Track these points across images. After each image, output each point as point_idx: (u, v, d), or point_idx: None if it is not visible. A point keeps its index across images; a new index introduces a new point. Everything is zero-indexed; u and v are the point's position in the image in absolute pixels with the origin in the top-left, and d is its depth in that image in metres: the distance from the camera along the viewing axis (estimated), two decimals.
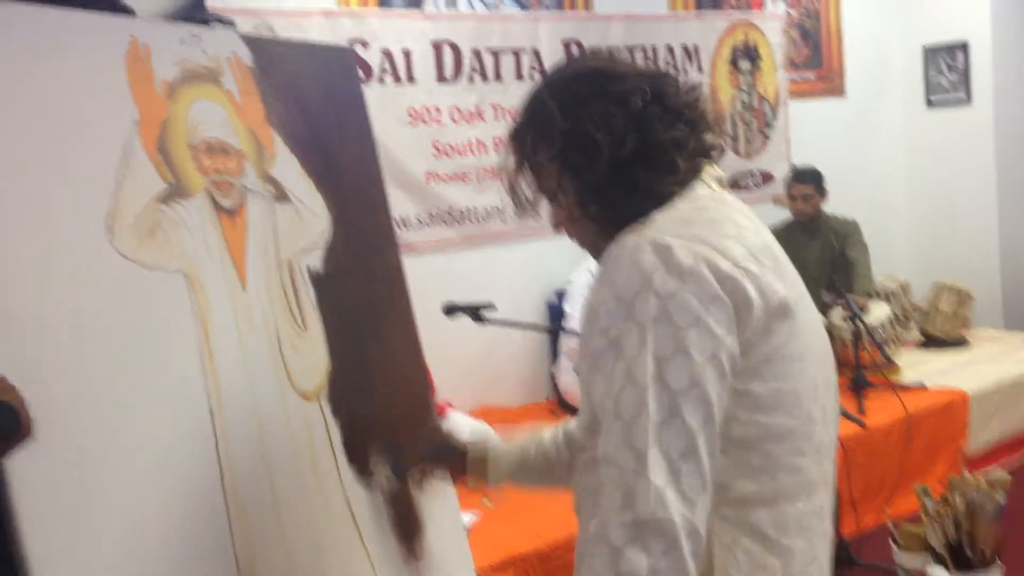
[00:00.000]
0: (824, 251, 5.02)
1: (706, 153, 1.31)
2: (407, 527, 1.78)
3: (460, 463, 1.67)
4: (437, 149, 4.24)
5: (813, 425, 1.23)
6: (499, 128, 4.41)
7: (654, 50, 4.86)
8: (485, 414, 4.10)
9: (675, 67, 4.95)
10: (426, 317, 3.49)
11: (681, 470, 1.08)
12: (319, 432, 1.66)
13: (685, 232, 1.18)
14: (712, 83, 5.12)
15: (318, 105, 1.83)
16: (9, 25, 1.32)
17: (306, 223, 1.71)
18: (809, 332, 1.25)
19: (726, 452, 1.16)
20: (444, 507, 1.89)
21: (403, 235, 4.16)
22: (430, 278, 4.13)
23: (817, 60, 5.68)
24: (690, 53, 5.02)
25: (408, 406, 1.88)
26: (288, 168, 1.70)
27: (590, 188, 1.27)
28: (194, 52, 1.61)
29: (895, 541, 2.00)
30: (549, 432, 1.65)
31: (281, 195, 1.67)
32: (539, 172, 1.33)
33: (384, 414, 1.81)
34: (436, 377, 3.93)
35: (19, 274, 1.26)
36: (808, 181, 4.89)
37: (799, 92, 5.57)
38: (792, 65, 5.53)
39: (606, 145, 1.24)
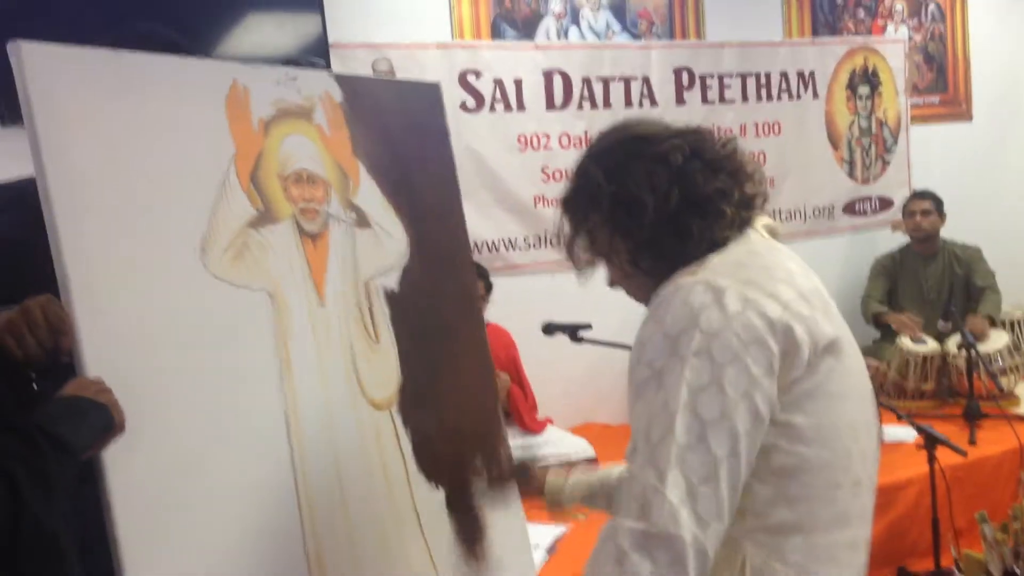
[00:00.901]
0: (944, 277, 4.92)
1: (751, 202, 1.38)
2: (469, 531, 1.91)
3: (537, 487, 1.79)
4: (546, 174, 4.38)
5: (850, 460, 1.29)
6: None
7: (767, 77, 4.88)
8: (586, 430, 4.20)
9: (789, 93, 4.96)
10: (531, 335, 3.65)
11: (699, 493, 1.16)
12: (389, 439, 1.81)
13: (740, 275, 1.26)
14: (828, 108, 5.09)
15: (402, 137, 2.00)
16: (132, 72, 1.53)
17: (384, 246, 1.87)
18: (853, 373, 1.32)
19: (765, 481, 1.24)
20: (508, 516, 2.01)
21: (510, 256, 4.32)
22: (536, 298, 4.26)
23: (942, 84, 5.56)
24: (805, 79, 5.01)
25: (476, 419, 2.01)
26: (370, 196, 1.86)
27: (640, 244, 1.35)
28: (289, 92, 1.80)
29: (959, 568, 2.01)
30: (619, 469, 1.75)
31: (362, 221, 1.84)
32: (592, 236, 1.42)
33: (453, 426, 1.95)
34: (541, 394, 4.07)
35: (123, 290, 1.46)
36: (927, 198, 4.83)
37: (922, 117, 5.46)
38: (915, 90, 5.44)
39: (651, 202, 1.32)
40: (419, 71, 4.01)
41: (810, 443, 1.25)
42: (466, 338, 2.05)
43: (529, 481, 1.85)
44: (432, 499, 1.86)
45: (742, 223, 1.36)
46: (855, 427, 1.30)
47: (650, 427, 1.20)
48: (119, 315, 1.44)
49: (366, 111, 1.93)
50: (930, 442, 3.42)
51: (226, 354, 1.57)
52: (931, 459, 3.43)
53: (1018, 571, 1.82)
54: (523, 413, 3.89)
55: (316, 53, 3.42)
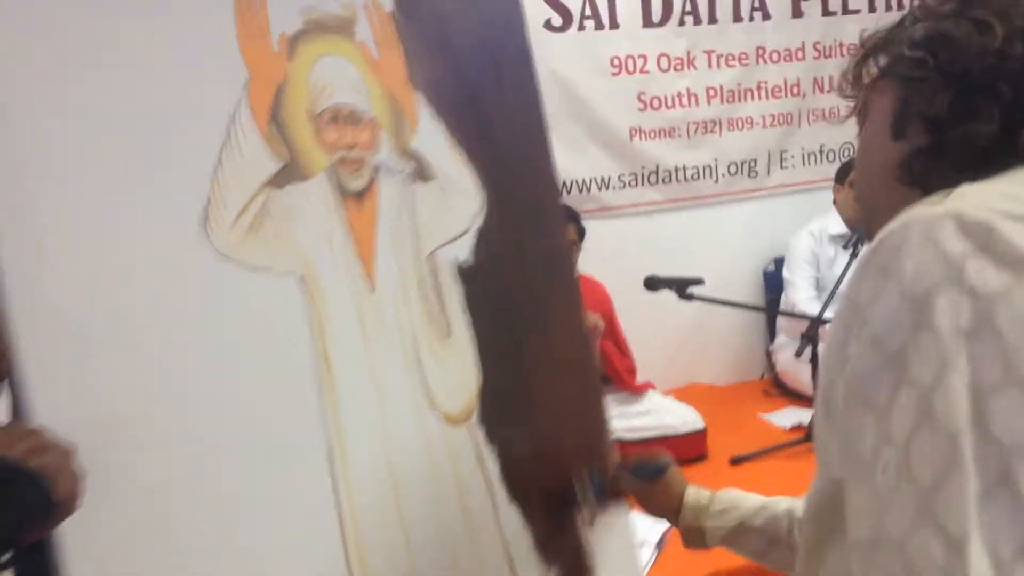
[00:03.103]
0: None
1: None
2: (575, 572, 1.47)
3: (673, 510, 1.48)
4: (642, 102, 3.86)
5: None
6: (712, 77, 3.96)
7: None
8: (692, 393, 3.73)
9: None
10: (627, 287, 3.17)
11: (1013, 572, 0.70)
12: (469, 462, 1.37)
13: (1012, 208, 0.79)
14: None
15: (473, 57, 1.51)
16: None
17: (454, 205, 1.41)
18: None
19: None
20: (619, 545, 1.57)
21: (603, 197, 3.85)
22: (632, 243, 3.80)
23: None
24: None
25: (578, 424, 1.56)
26: (433, 137, 1.40)
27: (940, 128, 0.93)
28: None
29: None
30: (786, 502, 1.37)
31: (423, 172, 1.38)
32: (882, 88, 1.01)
33: (549, 438, 1.50)
34: (637, 353, 3.59)
35: (89, 282, 1.01)
36: None
37: None
38: None
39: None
40: None
41: None
42: (560, 315, 1.58)
43: (657, 494, 1.48)
44: (525, 536, 1.42)
45: None
46: None
47: (908, 454, 0.74)
48: (81, 319, 0.99)
49: (425, 24, 1.45)
50: None
51: (243, 360, 1.13)
52: None
53: None
54: (621, 373, 3.43)
55: None
